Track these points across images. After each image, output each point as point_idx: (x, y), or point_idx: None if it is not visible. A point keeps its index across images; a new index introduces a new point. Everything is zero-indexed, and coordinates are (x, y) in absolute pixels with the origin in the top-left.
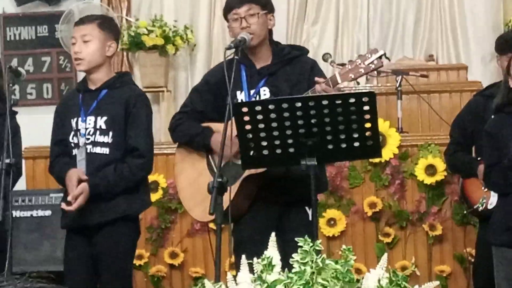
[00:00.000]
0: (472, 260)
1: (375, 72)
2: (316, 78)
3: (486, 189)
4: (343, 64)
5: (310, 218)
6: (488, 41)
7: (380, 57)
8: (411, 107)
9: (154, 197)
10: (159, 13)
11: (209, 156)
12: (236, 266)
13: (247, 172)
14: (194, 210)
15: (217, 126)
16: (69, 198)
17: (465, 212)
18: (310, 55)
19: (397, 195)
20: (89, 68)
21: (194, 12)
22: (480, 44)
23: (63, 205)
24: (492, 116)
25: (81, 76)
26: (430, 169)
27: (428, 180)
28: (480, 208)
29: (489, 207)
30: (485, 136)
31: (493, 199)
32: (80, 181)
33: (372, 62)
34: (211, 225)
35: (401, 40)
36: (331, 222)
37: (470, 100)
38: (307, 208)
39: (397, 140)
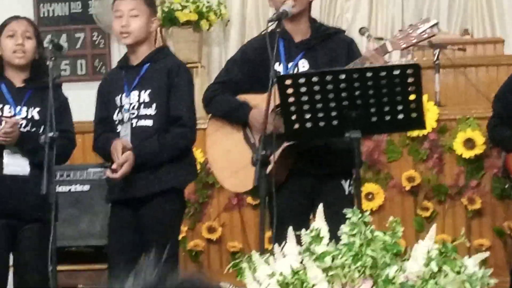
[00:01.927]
0: None
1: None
2: (368, 46)
3: None
4: (380, 39)
5: (347, 192)
6: None
7: (432, 26)
8: (447, 81)
9: None
10: None
11: (246, 129)
12: (274, 240)
13: (285, 143)
14: (228, 181)
15: (255, 99)
16: (113, 166)
17: (507, 186)
18: (344, 29)
19: (435, 169)
20: (135, 42)
21: None
22: None
23: (108, 172)
24: None
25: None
26: (469, 143)
27: (467, 154)
28: None
29: None
30: None
31: None
32: (125, 149)
33: (424, 31)
34: (249, 200)
35: (436, 14)
36: (369, 196)
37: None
38: (343, 182)
39: (435, 114)
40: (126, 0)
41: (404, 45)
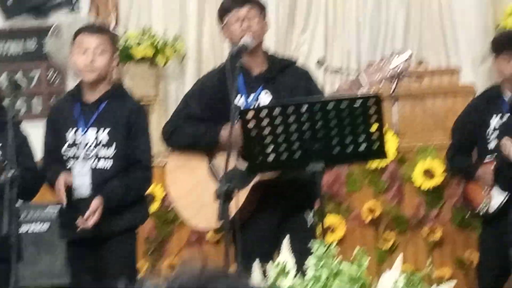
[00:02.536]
0: (474, 262)
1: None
2: (342, 82)
3: (487, 192)
4: (337, 70)
5: (309, 225)
6: (479, 44)
7: (407, 59)
8: (405, 112)
9: (151, 208)
10: (148, 23)
11: (211, 162)
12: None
13: (257, 178)
14: (195, 219)
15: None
16: (86, 215)
17: (467, 215)
18: (300, 63)
19: (395, 200)
20: (97, 79)
21: (183, 22)
22: (471, 48)
23: (80, 222)
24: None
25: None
26: (428, 173)
27: (427, 184)
28: (482, 212)
29: (491, 210)
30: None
31: (495, 202)
32: (67, 186)
33: (398, 65)
34: (209, 235)
35: (391, 46)
36: (330, 229)
37: (469, 103)
38: (306, 214)
39: (394, 144)
40: (93, 36)
41: (379, 78)
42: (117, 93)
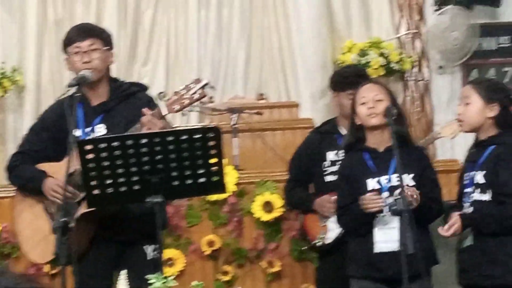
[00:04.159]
0: None
1: (210, 110)
2: (143, 110)
3: (323, 224)
4: None
5: (149, 257)
6: (317, 79)
7: (203, 86)
8: (245, 145)
9: None
10: None
11: (46, 199)
12: None
13: (81, 210)
14: (32, 252)
15: (53, 167)
16: None
17: (305, 247)
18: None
19: (235, 233)
20: None
21: (22, 54)
22: (310, 82)
23: None
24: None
25: None
26: (267, 206)
27: (266, 217)
28: (319, 244)
29: (327, 241)
30: (339, 176)
31: (331, 234)
32: None
33: (196, 92)
34: (46, 269)
35: (232, 79)
36: (170, 262)
37: (306, 137)
38: (145, 247)
39: (234, 177)
40: None
41: (178, 107)
42: None
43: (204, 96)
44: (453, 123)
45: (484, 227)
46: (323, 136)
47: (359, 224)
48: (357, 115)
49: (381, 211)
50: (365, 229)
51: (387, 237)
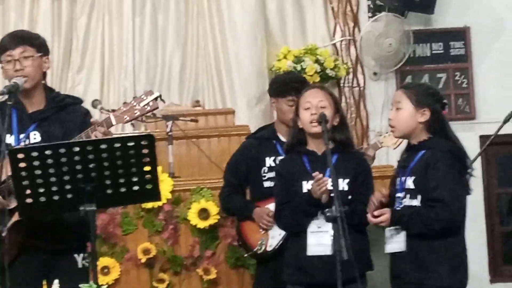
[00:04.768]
0: None
1: (144, 117)
2: (92, 120)
3: (263, 232)
4: (113, 110)
5: (80, 266)
6: (253, 86)
7: (155, 98)
8: (181, 152)
9: None
10: None
11: None
12: None
13: (13, 219)
14: None
15: None
16: None
17: (244, 255)
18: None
19: (171, 241)
20: None
21: None
22: (245, 89)
23: None
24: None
25: None
26: (203, 213)
27: (202, 224)
28: (260, 251)
29: (269, 249)
30: (276, 176)
31: (272, 241)
32: None
33: (147, 104)
34: None
35: (168, 86)
36: (105, 270)
37: (243, 142)
38: (76, 255)
39: (169, 185)
40: None
41: (128, 118)
42: None
43: (156, 108)
44: None
45: (410, 226)
46: (261, 142)
47: (300, 217)
48: (300, 119)
49: (315, 214)
50: (306, 222)
51: (319, 241)
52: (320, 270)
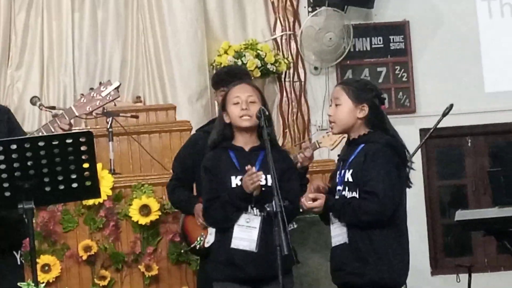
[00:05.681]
0: None
1: (84, 114)
2: (52, 113)
3: (204, 227)
4: (52, 107)
5: (19, 263)
6: (194, 82)
7: (116, 88)
8: (121, 149)
9: None
10: None
11: None
12: None
13: None
14: None
15: None
16: None
17: (183, 250)
18: (15, 99)
19: (112, 237)
20: None
21: None
22: (186, 85)
23: None
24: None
25: None
26: (145, 209)
27: (143, 220)
28: (198, 246)
29: (206, 245)
30: (203, 171)
31: (210, 238)
32: None
33: (109, 94)
34: None
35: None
36: (46, 268)
37: (191, 136)
38: (15, 253)
39: (110, 181)
40: None
41: (90, 109)
42: None
43: (117, 97)
44: (334, 135)
45: (341, 215)
46: (207, 135)
47: (230, 212)
48: (228, 114)
49: (246, 209)
50: (235, 218)
51: (245, 235)
52: (248, 265)
